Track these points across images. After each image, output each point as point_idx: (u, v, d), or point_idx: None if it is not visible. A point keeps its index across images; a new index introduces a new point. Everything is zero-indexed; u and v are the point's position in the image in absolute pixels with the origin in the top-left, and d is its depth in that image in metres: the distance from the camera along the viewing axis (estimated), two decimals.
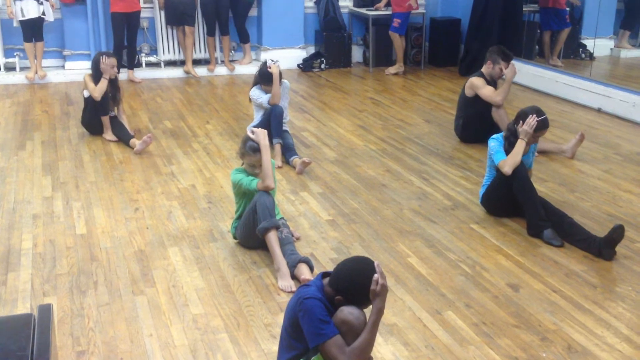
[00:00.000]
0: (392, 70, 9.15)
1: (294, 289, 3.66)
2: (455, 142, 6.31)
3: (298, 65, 9.39)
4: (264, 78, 5.81)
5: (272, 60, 5.86)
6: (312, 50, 9.60)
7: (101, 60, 6.07)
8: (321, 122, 6.92)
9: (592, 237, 4.20)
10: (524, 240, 4.38)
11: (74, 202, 4.88)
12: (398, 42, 9.08)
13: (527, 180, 4.46)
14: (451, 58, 9.55)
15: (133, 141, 5.98)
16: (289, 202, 4.93)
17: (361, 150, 6.08)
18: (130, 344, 3.25)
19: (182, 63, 8.99)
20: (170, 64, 9.06)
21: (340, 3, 9.52)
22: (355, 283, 2.66)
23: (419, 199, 5.00)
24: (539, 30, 9.13)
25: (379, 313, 2.62)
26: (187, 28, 8.67)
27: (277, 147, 5.67)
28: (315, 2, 9.51)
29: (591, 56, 8.75)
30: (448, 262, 4.07)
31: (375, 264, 2.68)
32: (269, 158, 4.01)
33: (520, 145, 4.48)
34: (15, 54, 8.51)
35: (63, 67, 8.74)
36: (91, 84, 6.13)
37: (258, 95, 5.87)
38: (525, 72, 8.40)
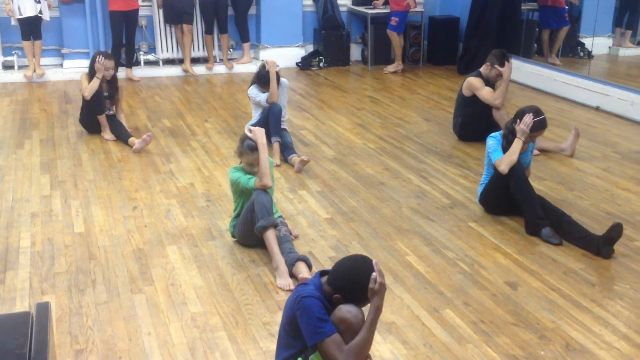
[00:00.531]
0: (390, 68, 9.15)
1: (292, 287, 3.66)
2: (453, 140, 6.32)
3: (297, 64, 9.38)
4: (262, 81, 5.81)
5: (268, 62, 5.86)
6: (310, 48, 9.60)
7: (97, 59, 6.06)
8: (320, 121, 6.92)
9: (590, 235, 4.20)
10: (522, 238, 4.38)
11: (72, 200, 4.88)
12: (396, 41, 9.08)
13: (524, 179, 4.46)
14: (450, 56, 9.55)
15: (132, 140, 5.98)
16: (288, 200, 4.93)
17: (360, 148, 6.08)
18: (128, 343, 3.25)
19: (180, 61, 8.99)
20: (168, 62, 9.06)
21: (339, 1, 9.52)
22: (353, 281, 2.66)
23: (417, 197, 5.01)
24: (537, 29, 9.14)
25: (377, 311, 2.62)
26: (185, 26, 8.66)
27: (276, 146, 5.67)
28: (314, 1, 9.51)
29: (589, 54, 8.76)
30: (446, 261, 4.07)
31: (374, 262, 2.68)
32: (267, 156, 4.01)
33: (517, 144, 4.48)
34: (13, 52, 8.50)
35: (61, 65, 8.74)
36: (85, 83, 6.13)
37: (256, 93, 5.88)
38: (523, 70, 8.41)
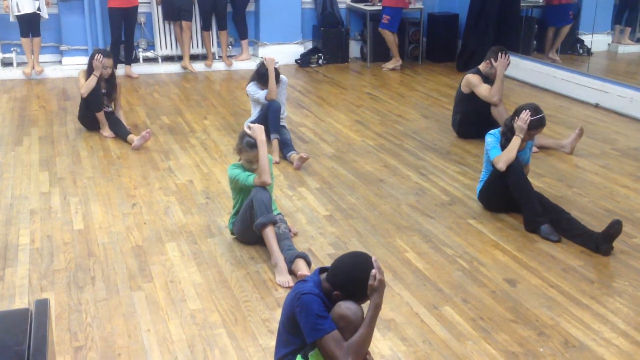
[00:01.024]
0: (389, 65, 9.13)
1: (291, 284, 3.66)
2: (452, 137, 6.31)
3: (296, 61, 9.38)
4: (261, 78, 5.81)
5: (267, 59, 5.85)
6: (309, 45, 9.59)
7: (95, 57, 6.05)
8: (319, 118, 6.91)
9: (589, 232, 4.21)
10: (521, 235, 4.38)
11: (71, 197, 4.88)
12: (390, 38, 9.01)
13: (523, 176, 4.46)
14: (449, 53, 9.55)
15: (131, 137, 5.97)
16: (287, 197, 4.92)
17: (359, 145, 6.08)
18: (128, 339, 3.25)
19: (179, 58, 8.98)
20: (167, 59, 9.05)
21: None
22: (352, 278, 2.66)
23: (416, 194, 5.01)
24: (536, 26, 9.13)
25: (377, 308, 2.62)
26: (184, 23, 8.65)
27: (275, 143, 5.66)
28: None
29: (589, 51, 8.75)
30: (445, 258, 4.07)
31: (373, 259, 2.68)
32: (266, 154, 4.01)
33: (515, 142, 4.48)
34: (12, 49, 8.49)
35: (60, 62, 8.73)
36: (82, 80, 6.12)
37: (255, 91, 5.87)
38: (522, 67, 8.40)
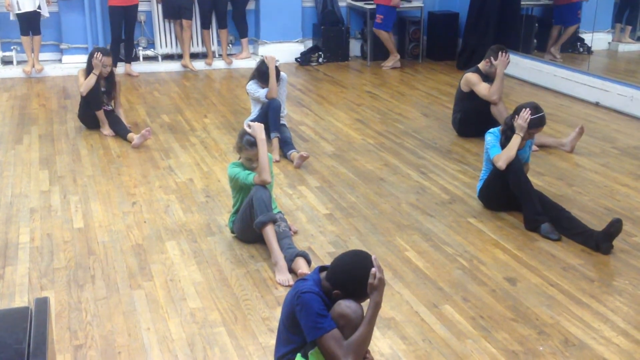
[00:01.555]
0: (388, 63, 9.11)
1: (291, 282, 3.66)
2: (453, 136, 6.31)
3: (296, 59, 9.37)
4: (262, 77, 5.81)
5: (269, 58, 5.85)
6: (310, 44, 9.59)
7: (94, 55, 6.04)
8: (319, 116, 6.91)
9: (589, 230, 4.20)
10: (521, 234, 4.38)
11: (71, 196, 4.88)
12: (384, 37, 8.96)
13: (523, 175, 4.46)
14: (449, 52, 9.54)
15: (130, 135, 5.97)
16: (287, 196, 4.92)
17: (359, 144, 6.07)
18: (127, 338, 3.25)
19: (179, 57, 8.97)
20: (167, 57, 9.04)
21: None
22: (352, 277, 2.66)
23: (416, 193, 5.00)
24: (537, 24, 9.13)
25: (377, 307, 2.62)
26: (184, 21, 8.65)
27: (275, 141, 5.66)
28: None
29: (589, 50, 8.75)
30: (445, 256, 4.07)
31: (373, 257, 2.68)
32: (266, 152, 4.01)
33: (515, 140, 4.48)
34: (12, 47, 8.48)
35: (60, 60, 8.73)
36: (81, 79, 6.12)
37: (255, 89, 5.87)
38: (523, 66, 8.40)
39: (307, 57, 9.32)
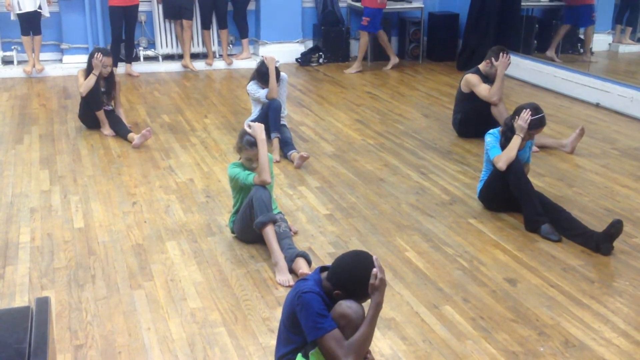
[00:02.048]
0: (352, 70, 8.88)
1: (291, 283, 3.66)
2: (453, 136, 6.31)
3: (296, 60, 9.37)
4: (262, 77, 5.81)
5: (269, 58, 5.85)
6: (310, 44, 9.59)
7: (95, 55, 6.04)
8: (319, 117, 6.91)
9: (589, 231, 4.20)
10: (522, 235, 4.38)
11: (71, 195, 4.88)
12: (364, 40, 8.85)
13: (523, 176, 4.46)
14: (449, 53, 9.54)
15: (131, 135, 5.97)
16: (287, 196, 4.92)
17: (359, 144, 6.08)
18: (128, 338, 3.25)
19: (180, 57, 8.98)
20: (168, 57, 9.04)
21: None
22: (353, 277, 2.66)
23: (416, 193, 5.00)
24: (537, 25, 9.12)
25: (378, 307, 2.62)
26: (185, 22, 8.65)
27: (275, 142, 5.66)
28: None
29: (590, 51, 8.75)
30: (446, 257, 4.07)
31: (374, 258, 2.68)
32: (266, 152, 4.01)
33: (515, 141, 4.48)
34: (12, 47, 8.48)
35: (61, 60, 8.73)
36: (81, 79, 6.12)
37: (255, 89, 5.87)
38: (523, 67, 8.40)
39: (307, 57, 9.32)
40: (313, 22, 9.58)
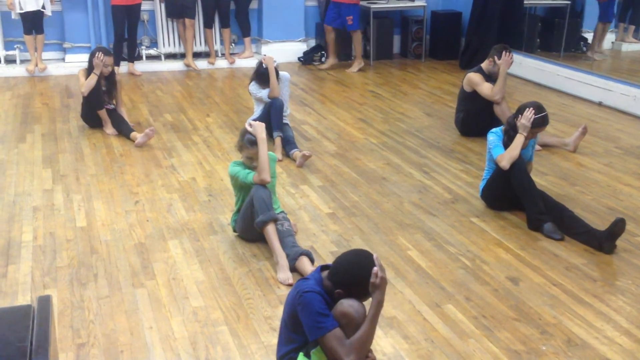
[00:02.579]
0: (353, 69, 8.87)
1: (292, 281, 3.66)
2: (455, 135, 6.31)
3: (298, 59, 9.37)
4: (261, 78, 5.81)
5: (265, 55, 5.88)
6: (312, 43, 9.57)
7: (96, 55, 6.04)
8: (321, 115, 6.90)
9: (592, 230, 4.20)
10: (524, 233, 4.37)
11: (74, 194, 4.88)
12: (358, 38, 8.87)
13: (526, 174, 4.45)
14: (452, 51, 9.53)
15: (134, 134, 5.98)
16: (289, 195, 4.92)
17: (361, 143, 6.07)
18: (130, 337, 3.26)
19: (182, 56, 8.98)
20: (170, 56, 9.05)
21: None
22: (354, 276, 2.66)
23: (419, 192, 5.00)
24: (540, 23, 9.12)
25: (379, 306, 2.62)
26: (187, 21, 8.65)
27: (278, 140, 5.66)
28: None
29: (590, 51, 8.73)
30: (448, 256, 4.07)
31: (374, 256, 2.68)
32: (266, 151, 4.00)
33: (518, 140, 4.47)
34: (15, 46, 8.49)
35: (63, 59, 8.73)
36: (82, 79, 6.12)
37: (257, 89, 5.87)
38: (526, 65, 8.39)
39: (309, 56, 9.31)
40: (315, 21, 9.58)
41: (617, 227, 4.07)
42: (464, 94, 6.17)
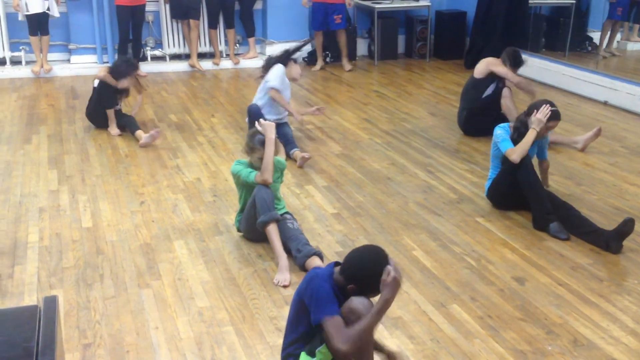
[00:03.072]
0: (347, 67, 8.91)
1: (288, 283, 3.67)
2: (460, 135, 6.30)
3: (303, 59, 9.37)
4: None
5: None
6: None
7: (133, 72, 6.34)
8: (326, 116, 6.90)
9: (599, 229, 4.18)
10: (530, 233, 4.36)
11: (79, 195, 4.89)
12: (345, 37, 8.88)
13: (533, 173, 4.44)
14: (457, 51, 9.51)
15: (139, 133, 5.98)
16: (294, 195, 4.92)
17: (366, 143, 6.07)
18: (136, 337, 3.26)
19: (187, 57, 8.99)
20: (175, 57, 9.06)
21: None
22: (365, 270, 2.65)
23: (424, 192, 4.99)
24: (545, 23, 9.09)
25: (386, 303, 2.60)
26: (192, 21, 8.66)
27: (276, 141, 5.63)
28: None
29: (597, 49, 8.70)
30: (453, 256, 4.06)
31: (390, 258, 2.68)
32: (272, 152, 3.99)
33: (531, 135, 4.43)
34: (21, 47, 8.51)
35: (69, 61, 8.76)
36: (104, 73, 6.22)
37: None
38: (531, 64, 8.32)
39: (314, 56, 9.30)
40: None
41: (627, 227, 4.05)
42: (470, 84, 6.13)
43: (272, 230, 3.89)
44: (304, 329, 2.71)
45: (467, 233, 4.36)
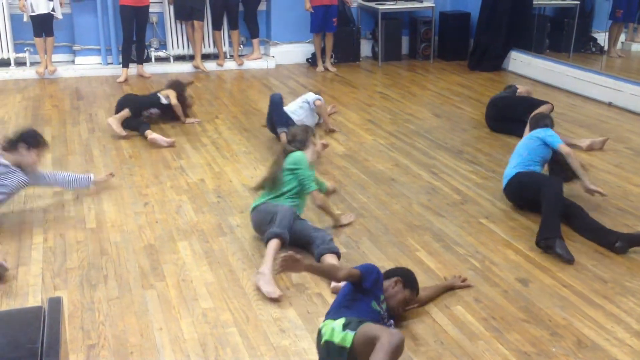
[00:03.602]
0: (331, 68, 8.96)
1: (274, 296, 3.54)
2: (464, 136, 6.29)
3: (307, 60, 9.38)
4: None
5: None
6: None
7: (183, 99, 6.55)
8: (330, 117, 6.90)
9: (605, 228, 4.17)
10: (534, 234, 4.34)
11: (84, 196, 4.90)
12: (333, 41, 8.97)
13: (560, 192, 4.28)
14: (461, 52, 9.51)
15: (149, 132, 5.98)
16: None
17: (370, 144, 6.07)
18: (140, 338, 3.27)
19: (191, 58, 9.00)
20: (179, 58, 9.08)
21: None
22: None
23: (427, 193, 4.99)
24: (549, 24, 9.08)
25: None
26: (196, 23, 8.68)
27: (283, 136, 5.66)
28: None
29: (602, 50, 8.69)
30: (457, 257, 4.06)
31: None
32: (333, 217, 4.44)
33: (579, 170, 4.62)
34: (25, 49, 8.54)
35: (73, 62, 8.78)
36: (172, 95, 6.49)
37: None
38: (535, 65, 8.36)
39: (315, 57, 9.30)
40: None
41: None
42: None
43: (274, 245, 3.85)
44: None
45: (471, 234, 4.35)
